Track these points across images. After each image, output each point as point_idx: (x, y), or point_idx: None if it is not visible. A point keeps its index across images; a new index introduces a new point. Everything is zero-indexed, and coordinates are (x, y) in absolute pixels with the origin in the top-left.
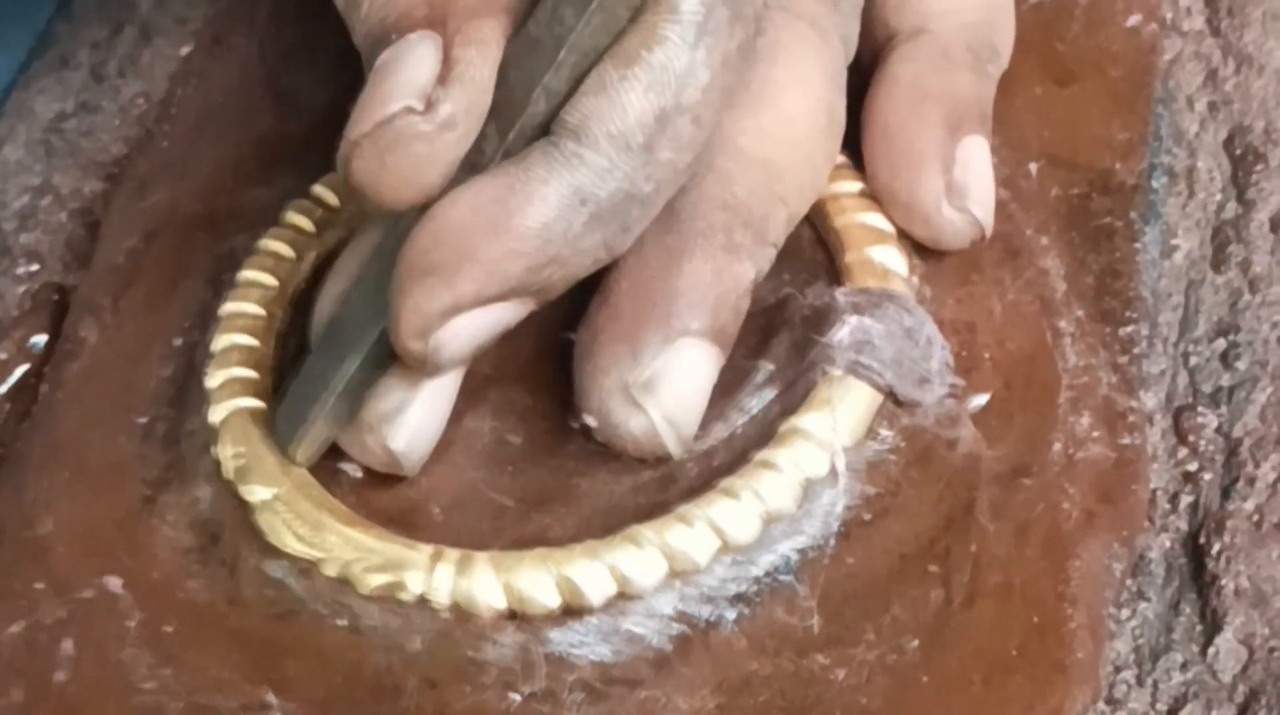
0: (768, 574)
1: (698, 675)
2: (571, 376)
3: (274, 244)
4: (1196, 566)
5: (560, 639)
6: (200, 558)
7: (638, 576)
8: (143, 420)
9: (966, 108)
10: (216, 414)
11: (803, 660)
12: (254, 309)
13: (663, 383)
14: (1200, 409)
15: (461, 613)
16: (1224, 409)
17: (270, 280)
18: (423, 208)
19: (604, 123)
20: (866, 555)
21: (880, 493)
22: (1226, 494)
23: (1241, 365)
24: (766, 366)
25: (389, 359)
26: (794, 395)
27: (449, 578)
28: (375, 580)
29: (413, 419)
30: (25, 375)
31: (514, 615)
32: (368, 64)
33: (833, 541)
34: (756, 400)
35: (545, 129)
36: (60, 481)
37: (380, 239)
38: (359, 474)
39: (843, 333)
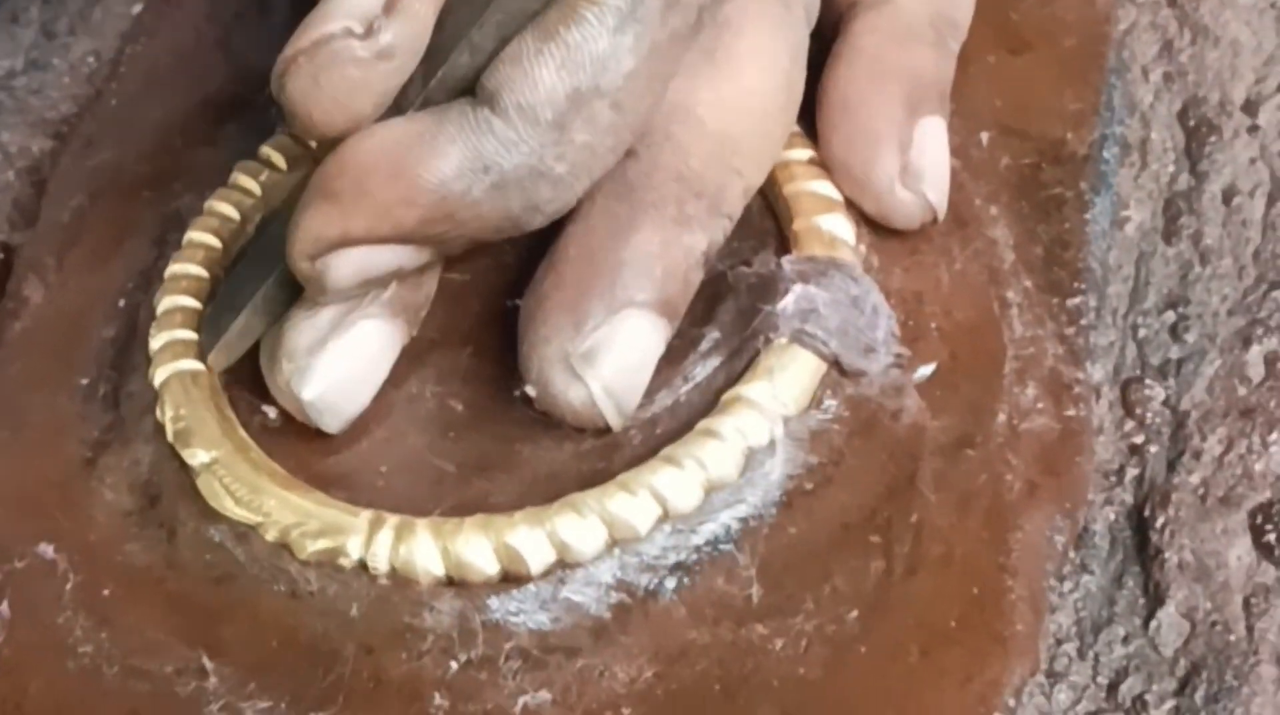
0: (708, 543)
1: (636, 644)
2: (516, 342)
3: (220, 205)
4: (1140, 540)
5: (499, 606)
6: (139, 520)
7: (577, 544)
8: (84, 381)
9: (927, 87)
10: (158, 376)
11: (741, 630)
12: (198, 271)
13: (603, 354)
14: (1148, 381)
15: (400, 579)
16: (1172, 381)
17: (214, 242)
18: None
19: (515, 93)
20: (808, 525)
21: (823, 462)
22: (1172, 467)
23: (1190, 338)
24: (711, 334)
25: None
26: (738, 363)
27: (388, 544)
28: (314, 545)
29: (325, 370)
30: None
31: (453, 582)
32: None
33: (774, 510)
34: (701, 368)
35: (466, 82)
36: None
37: None
38: (274, 416)
39: (788, 301)
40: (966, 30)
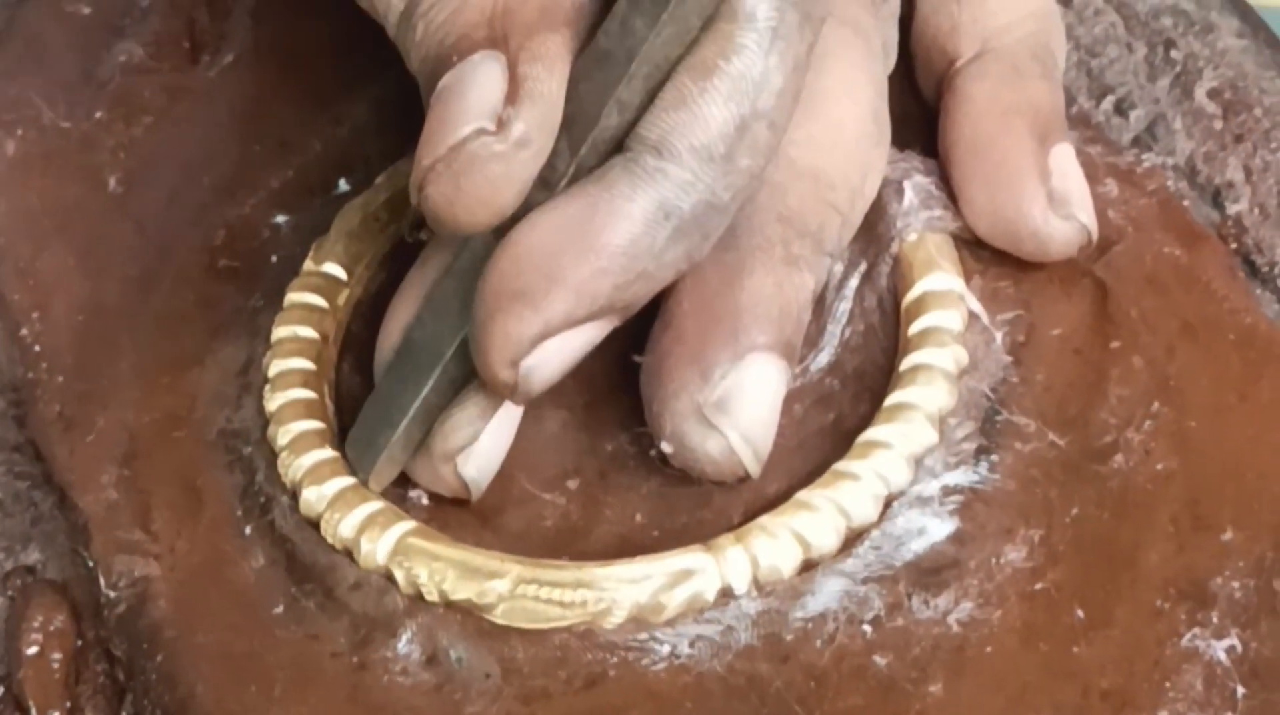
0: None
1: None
2: (629, 391)
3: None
4: None
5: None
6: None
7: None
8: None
9: (1048, 117)
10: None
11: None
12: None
13: (735, 401)
14: None
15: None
16: None
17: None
18: (494, 229)
19: (686, 137)
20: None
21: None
22: None
23: None
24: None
25: (461, 382)
26: (875, 279)
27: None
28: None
29: (484, 446)
30: None
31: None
32: (426, 90)
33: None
34: (842, 299)
35: (618, 142)
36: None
37: (449, 260)
38: (425, 501)
39: (908, 197)
40: (1063, 60)
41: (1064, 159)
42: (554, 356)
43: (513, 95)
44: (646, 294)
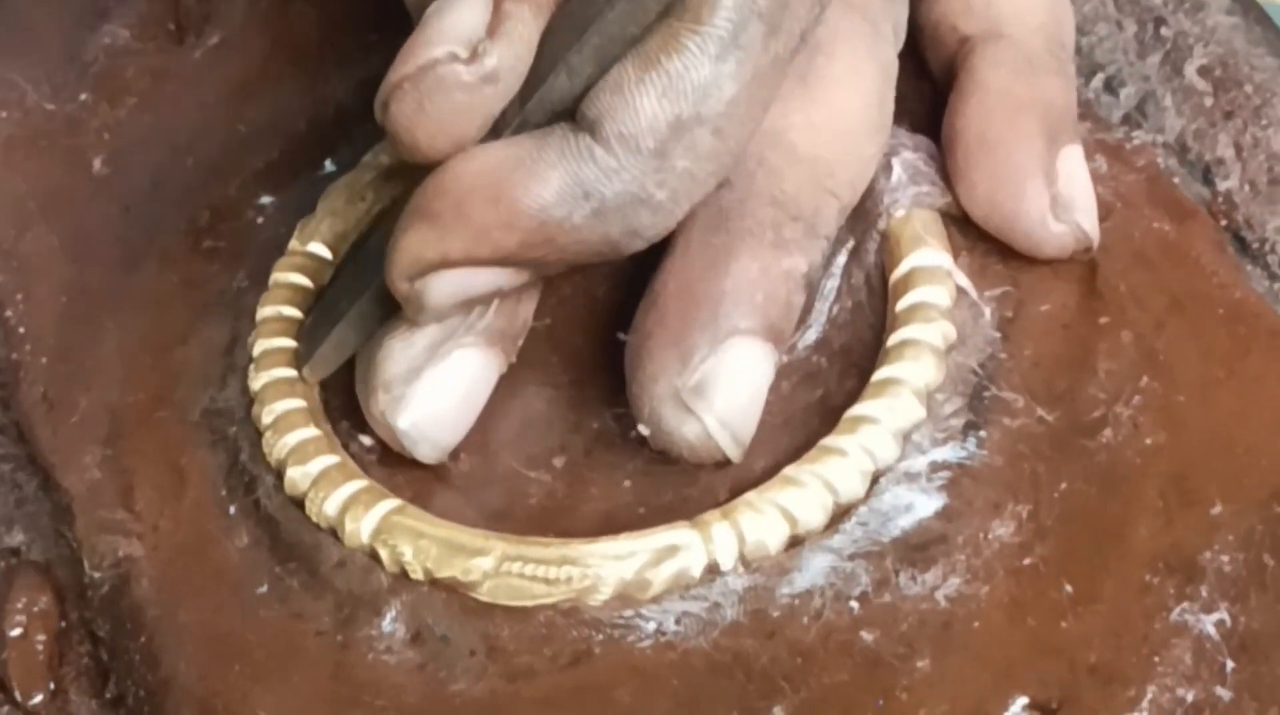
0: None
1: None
2: (615, 370)
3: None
4: None
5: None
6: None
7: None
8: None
9: (1060, 116)
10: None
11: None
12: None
13: (713, 386)
14: None
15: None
16: None
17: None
18: None
19: (616, 122)
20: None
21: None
22: None
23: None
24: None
25: None
26: (863, 255)
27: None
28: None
29: (420, 399)
30: None
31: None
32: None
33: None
34: (829, 276)
35: (562, 104)
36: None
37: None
38: (370, 443)
39: (896, 173)
40: (1073, 48)
41: (1072, 162)
42: (450, 286)
43: (493, 29)
44: (558, 262)
